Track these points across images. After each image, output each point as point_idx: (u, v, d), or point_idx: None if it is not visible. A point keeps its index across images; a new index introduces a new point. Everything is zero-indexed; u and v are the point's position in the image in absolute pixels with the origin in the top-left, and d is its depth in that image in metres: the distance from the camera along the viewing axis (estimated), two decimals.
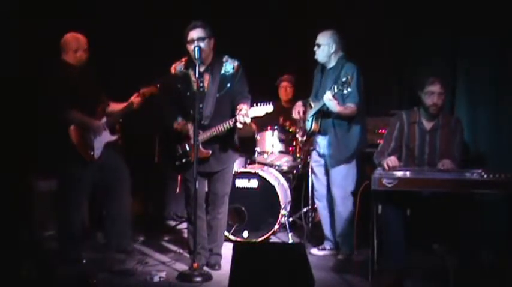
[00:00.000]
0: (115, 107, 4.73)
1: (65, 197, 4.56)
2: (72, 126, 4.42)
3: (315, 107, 4.73)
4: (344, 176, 4.69)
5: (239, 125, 4.19)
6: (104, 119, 4.64)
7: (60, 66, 4.53)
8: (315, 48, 4.69)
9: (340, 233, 4.75)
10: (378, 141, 4.80)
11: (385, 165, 4.06)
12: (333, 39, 4.65)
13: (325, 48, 4.66)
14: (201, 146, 4.30)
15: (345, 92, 4.38)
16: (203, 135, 4.31)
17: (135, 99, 4.68)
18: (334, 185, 4.73)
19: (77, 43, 4.55)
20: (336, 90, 4.41)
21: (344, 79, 4.37)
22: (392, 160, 4.09)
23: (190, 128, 4.33)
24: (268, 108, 4.21)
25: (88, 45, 4.59)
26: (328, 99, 4.47)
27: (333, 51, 4.66)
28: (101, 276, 4.16)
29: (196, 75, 4.22)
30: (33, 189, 5.22)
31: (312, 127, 4.76)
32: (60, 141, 4.47)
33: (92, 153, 4.50)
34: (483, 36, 4.93)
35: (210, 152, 4.34)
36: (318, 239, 5.05)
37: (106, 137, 4.63)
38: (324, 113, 4.69)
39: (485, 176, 3.72)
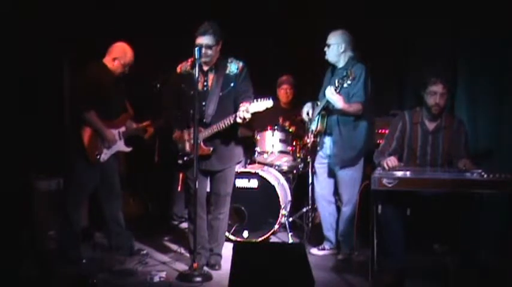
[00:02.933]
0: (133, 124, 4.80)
1: (68, 196, 4.56)
2: (86, 127, 4.44)
3: (320, 105, 4.74)
4: (351, 177, 4.68)
5: (239, 120, 4.19)
6: (123, 129, 4.66)
7: (96, 67, 4.54)
8: (325, 48, 4.69)
9: (342, 232, 4.76)
10: (379, 142, 4.80)
11: (385, 165, 4.05)
12: (343, 38, 4.65)
13: (335, 47, 4.66)
14: (202, 143, 4.31)
15: (345, 85, 4.39)
16: (205, 133, 4.32)
17: (149, 128, 4.81)
18: (342, 187, 4.73)
19: (120, 53, 4.56)
20: (337, 84, 4.42)
21: (345, 73, 4.37)
22: (392, 160, 4.08)
23: (187, 138, 4.36)
24: (268, 103, 4.21)
25: (133, 62, 4.61)
26: (331, 94, 4.46)
27: (342, 51, 4.66)
28: (101, 276, 4.17)
29: (196, 75, 4.22)
30: (33, 189, 5.21)
31: (318, 127, 4.76)
32: (71, 139, 4.50)
33: (98, 156, 4.50)
34: (483, 36, 4.93)
35: (211, 149, 4.35)
36: (318, 239, 5.05)
37: (120, 145, 4.65)
38: (329, 112, 4.68)
39: (485, 176, 3.71)
